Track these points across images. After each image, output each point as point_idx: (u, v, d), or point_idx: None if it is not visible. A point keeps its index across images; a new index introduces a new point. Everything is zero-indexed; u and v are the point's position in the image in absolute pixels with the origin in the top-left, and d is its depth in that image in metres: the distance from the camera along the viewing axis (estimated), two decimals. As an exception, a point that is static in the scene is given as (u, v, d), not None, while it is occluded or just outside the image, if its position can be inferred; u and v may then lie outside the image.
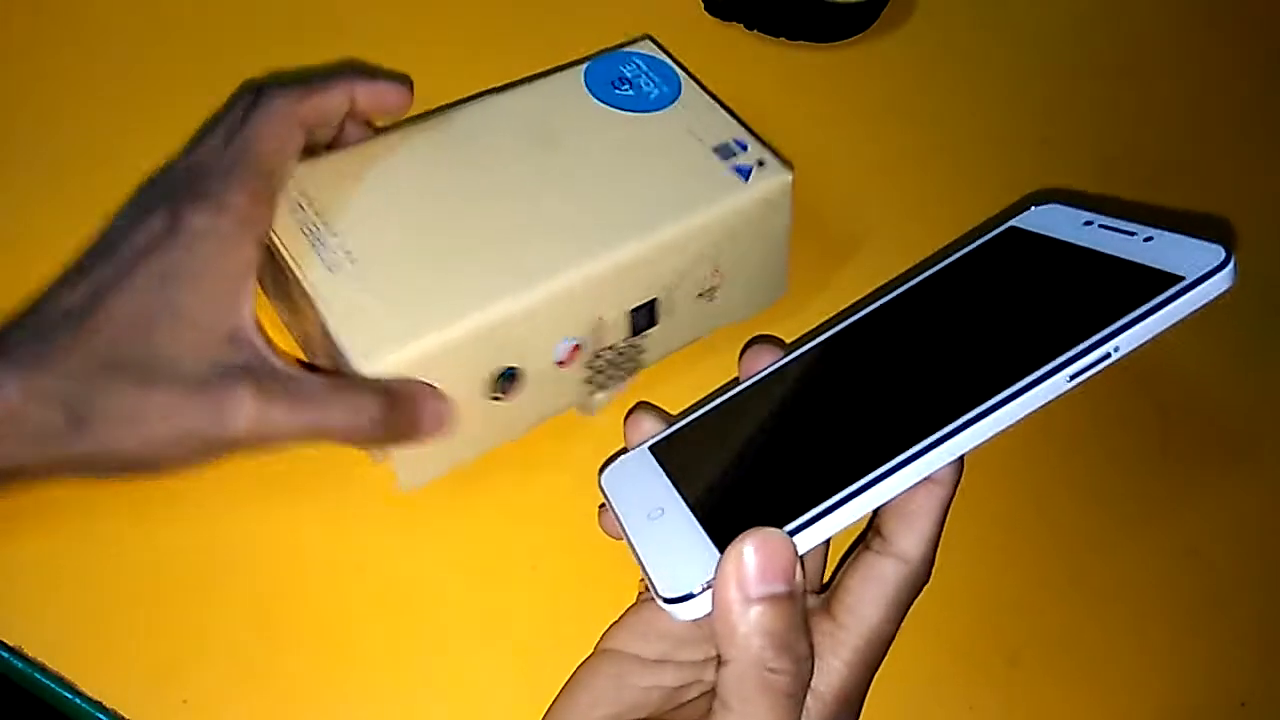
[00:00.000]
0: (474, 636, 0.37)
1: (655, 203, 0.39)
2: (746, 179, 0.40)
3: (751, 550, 0.26)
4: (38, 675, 0.34)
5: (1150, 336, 0.27)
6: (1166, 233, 0.29)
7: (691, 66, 0.54)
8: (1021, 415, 0.27)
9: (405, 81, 0.40)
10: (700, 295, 0.41)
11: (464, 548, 0.38)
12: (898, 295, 0.33)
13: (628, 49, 0.45)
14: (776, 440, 0.31)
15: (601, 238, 0.38)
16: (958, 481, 0.30)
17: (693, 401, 0.34)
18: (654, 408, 0.34)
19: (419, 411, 0.35)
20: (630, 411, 0.34)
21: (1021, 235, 0.33)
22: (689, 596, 0.27)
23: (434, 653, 0.36)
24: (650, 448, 0.32)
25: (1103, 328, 0.26)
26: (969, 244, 0.33)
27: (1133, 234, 0.29)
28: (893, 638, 0.30)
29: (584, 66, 0.44)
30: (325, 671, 0.36)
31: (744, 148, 0.41)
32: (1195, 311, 0.26)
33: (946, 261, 0.33)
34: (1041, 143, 0.55)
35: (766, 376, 0.33)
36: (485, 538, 0.39)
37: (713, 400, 0.33)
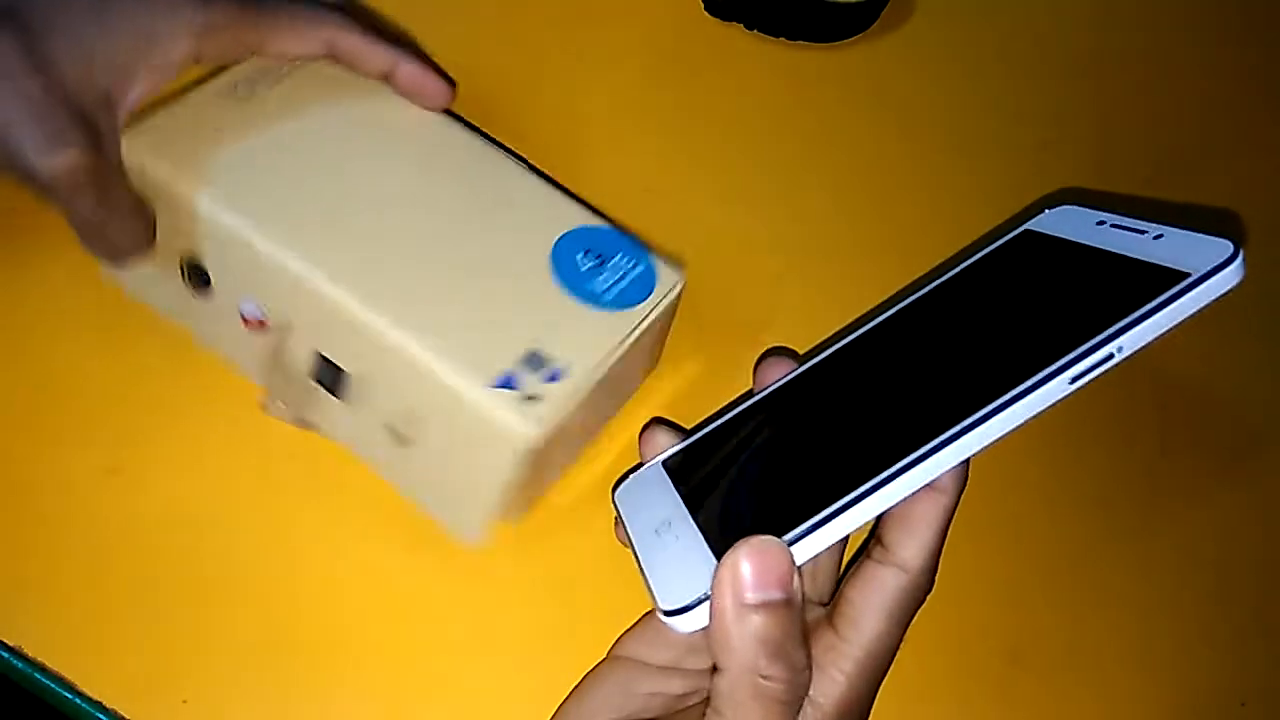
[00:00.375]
0: (476, 639, 0.37)
1: (427, 318, 0.35)
2: (516, 400, 0.34)
3: (747, 558, 0.26)
4: (38, 675, 0.34)
5: (1157, 334, 0.26)
6: (1176, 229, 0.28)
7: (691, 66, 0.54)
8: (1023, 420, 0.26)
9: (450, 84, 0.40)
10: (387, 428, 0.36)
11: (467, 549, 0.38)
12: (909, 303, 0.33)
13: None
14: (780, 451, 0.31)
15: (365, 276, 0.35)
16: (961, 489, 0.29)
17: (708, 415, 0.35)
18: (668, 423, 0.35)
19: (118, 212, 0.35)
20: (645, 427, 0.34)
21: (1035, 238, 0.32)
22: (687, 609, 0.27)
23: (435, 654, 0.36)
24: (663, 462, 0.33)
25: (1105, 329, 0.26)
26: (983, 248, 0.33)
27: (1144, 232, 0.29)
28: (896, 648, 0.29)
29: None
30: (325, 672, 0.36)
31: (557, 377, 0.34)
32: (1204, 307, 0.26)
33: (959, 268, 0.33)
34: (1041, 142, 0.55)
35: (777, 388, 0.33)
36: (490, 538, 0.39)
37: (725, 414, 0.34)
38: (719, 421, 0.34)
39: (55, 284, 0.41)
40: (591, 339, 0.35)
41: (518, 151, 0.41)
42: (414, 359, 0.34)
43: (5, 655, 0.34)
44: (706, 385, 0.43)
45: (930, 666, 0.39)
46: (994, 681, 0.39)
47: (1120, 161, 0.55)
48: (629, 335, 0.36)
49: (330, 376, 0.36)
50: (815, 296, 0.47)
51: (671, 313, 0.39)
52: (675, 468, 0.32)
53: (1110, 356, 0.26)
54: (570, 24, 0.54)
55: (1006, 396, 0.26)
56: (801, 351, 0.45)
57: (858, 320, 0.34)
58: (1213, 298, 0.26)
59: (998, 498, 0.43)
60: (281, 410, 0.39)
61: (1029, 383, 0.26)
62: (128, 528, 0.37)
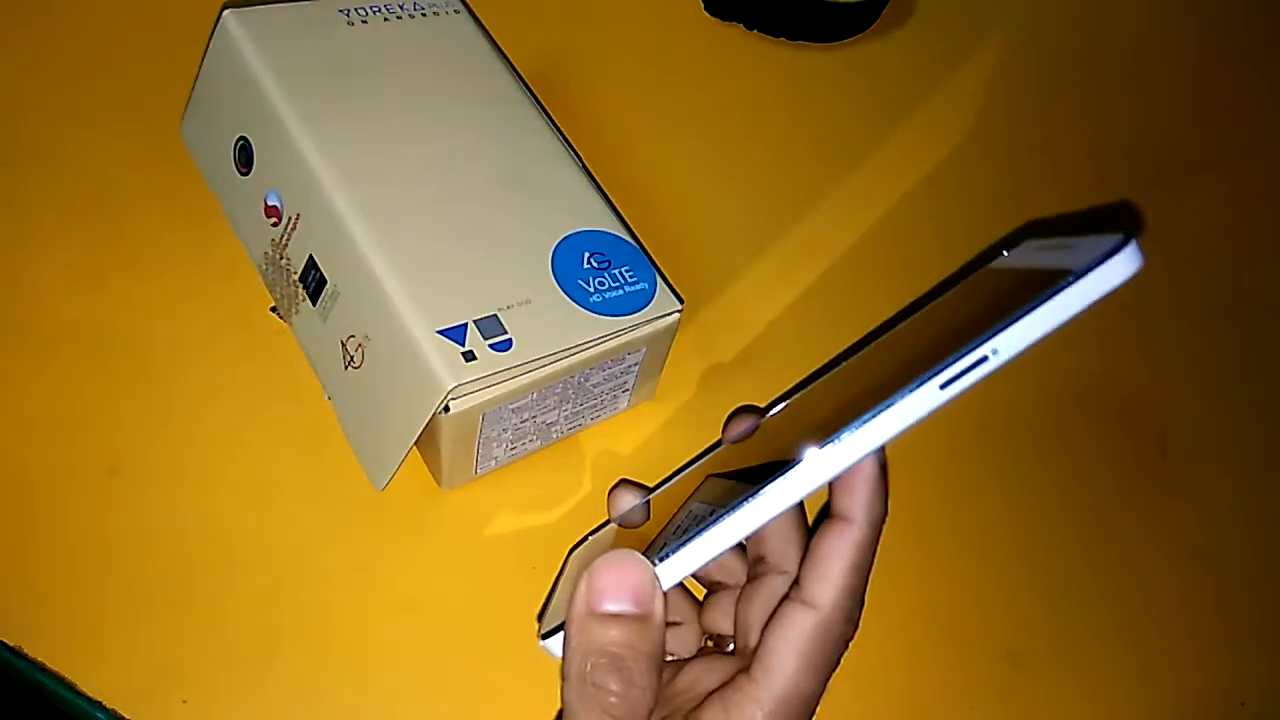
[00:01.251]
0: (473, 637, 0.37)
1: (433, 275, 0.35)
2: (454, 352, 0.34)
3: (603, 567, 0.26)
4: (38, 675, 0.34)
5: (1042, 332, 0.25)
6: (1087, 237, 0.26)
7: (691, 66, 0.55)
8: (892, 431, 0.25)
9: None
10: (342, 345, 0.37)
11: (464, 549, 0.38)
12: (860, 351, 0.32)
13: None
14: (706, 496, 0.30)
15: (374, 201, 0.36)
16: (875, 522, 0.28)
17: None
18: (634, 484, 0.35)
19: None
20: (612, 489, 0.35)
21: (989, 274, 0.32)
22: (556, 630, 0.27)
23: (434, 653, 0.36)
24: (618, 521, 0.34)
25: (979, 334, 0.25)
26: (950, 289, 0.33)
27: (1066, 246, 0.28)
28: (813, 695, 0.27)
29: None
30: (325, 672, 0.36)
31: (504, 349, 0.34)
32: (1096, 301, 0.24)
33: (918, 312, 0.32)
34: (1042, 142, 0.55)
35: (735, 438, 0.33)
36: (485, 539, 0.39)
37: (683, 469, 0.34)
38: (672, 478, 0.34)
39: (55, 284, 0.41)
40: (555, 329, 0.35)
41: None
42: (382, 284, 0.35)
43: (5, 655, 0.34)
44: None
45: (930, 666, 0.39)
46: (994, 682, 0.39)
47: (1120, 162, 0.55)
48: (597, 341, 0.36)
49: (314, 281, 0.38)
50: (816, 297, 0.47)
51: (666, 342, 0.39)
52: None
53: (984, 359, 0.25)
54: (570, 24, 0.54)
55: (869, 413, 0.25)
56: (799, 351, 0.45)
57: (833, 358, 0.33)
58: (1103, 290, 0.24)
59: (997, 499, 0.43)
60: (281, 312, 0.41)
61: (895, 395, 0.25)
62: (128, 528, 0.37)
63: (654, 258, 0.39)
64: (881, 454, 0.28)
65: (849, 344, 0.45)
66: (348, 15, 0.41)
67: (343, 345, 0.37)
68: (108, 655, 0.35)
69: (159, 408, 0.39)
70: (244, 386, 0.40)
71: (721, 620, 0.32)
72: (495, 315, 0.35)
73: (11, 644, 0.34)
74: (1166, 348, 0.48)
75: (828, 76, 0.55)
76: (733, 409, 0.43)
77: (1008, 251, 0.30)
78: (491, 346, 0.34)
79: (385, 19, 0.42)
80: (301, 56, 0.39)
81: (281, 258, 0.39)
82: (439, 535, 0.39)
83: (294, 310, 0.39)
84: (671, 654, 0.33)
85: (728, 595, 0.33)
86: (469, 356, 0.34)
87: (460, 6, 0.44)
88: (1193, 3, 0.65)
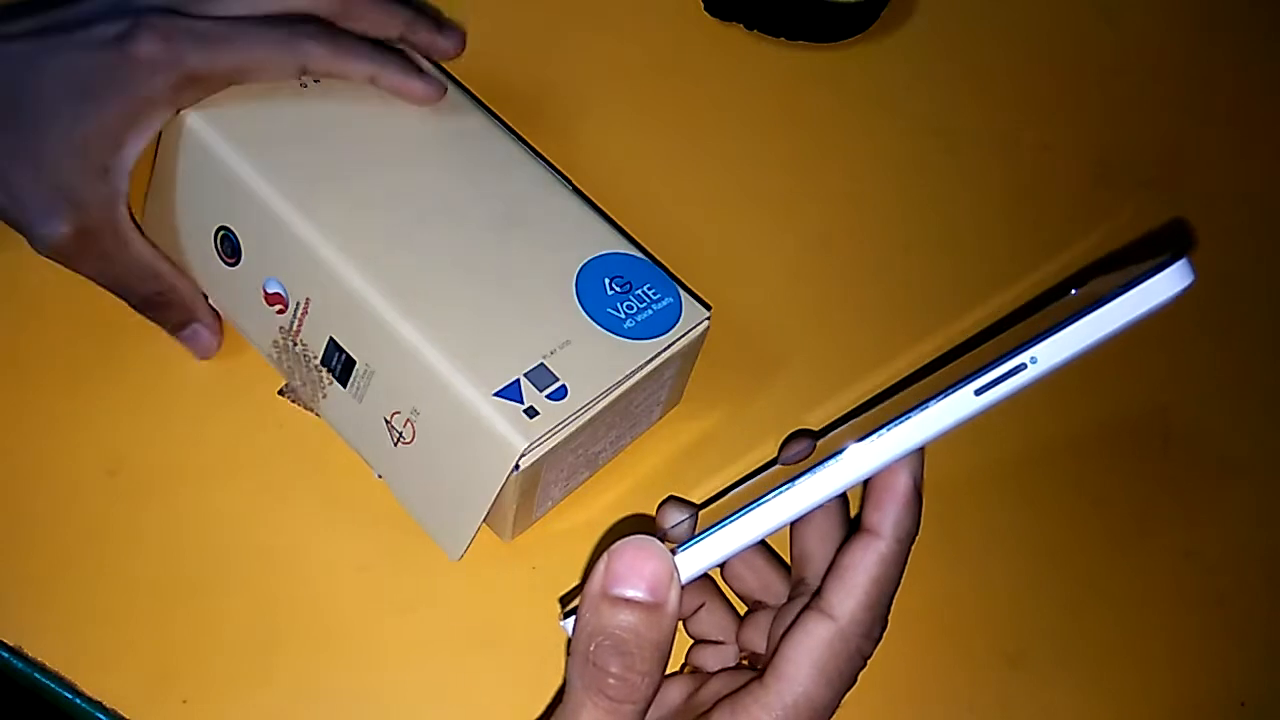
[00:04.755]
0: (474, 637, 0.37)
1: (458, 324, 0.35)
2: (515, 411, 0.33)
3: (621, 550, 0.26)
4: (38, 675, 0.34)
5: (1082, 344, 0.24)
6: (1147, 262, 0.26)
7: (691, 66, 0.54)
8: (924, 435, 0.25)
9: (439, 84, 0.41)
10: (386, 423, 0.36)
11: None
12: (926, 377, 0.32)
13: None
14: (741, 501, 0.30)
15: (389, 271, 0.35)
16: (905, 538, 0.28)
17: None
18: (682, 500, 0.35)
19: (189, 324, 0.40)
20: (660, 505, 0.34)
21: (1055, 308, 0.31)
22: (574, 612, 0.27)
23: (434, 653, 0.36)
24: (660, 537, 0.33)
25: (1021, 345, 0.25)
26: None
27: (1125, 271, 0.27)
28: (827, 707, 0.27)
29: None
30: (325, 671, 0.36)
31: (561, 396, 0.34)
32: (1142, 315, 0.24)
33: (982, 345, 0.32)
34: (1042, 142, 0.55)
35: (790, 459, 0.33)
36: (485, 539, 0.39)
37: (733, 487, 0.33)
38: (722, 495, 0.33)
39: (54, 284, 0.41)
40: (603, 364, 0.35)
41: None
42: (422, 356, 0.34)
43: (5, 655, 0.34)
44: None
45: (930, 666, 0.39)
46: (994, 682, 0.39)
47: (1120, 162, 0.55)
48: (642, 366, 0.36)
49: (339, 363, 0.36)
50: (816, 296, 0.47)
51: (695, 350, 0.39)
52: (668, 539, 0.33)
53: (1022, 367, 0.25)
54: (570, 24, 0.54)
55: (901, 416, 0.25)
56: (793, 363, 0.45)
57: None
58: (1149, 304, 0.24)
59: (998, 499, 0.43)
60: (295, 395, 0.39)
61: (929, 399, 0.25)
62: (128, 528, 0.37)
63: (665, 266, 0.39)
64: (918, 473, 0.28)
65: (849, 344, 0.46)
66: (301, 78, 0.39)
67: (387, 423, 0.36)
68: (108, 655, 0.35)
69: (159, 408, 0.39)
70: (244, 386, 0.40)
71: (757, 638, 0.32)
72: (542, 364, 0.34)
73: (11, 644, 0.34)
74: (1166, 347, 0.48)
75: (828, 76, 0.55)
76: (735, 410, 0.43)
77: (1076, 290, 0.30)
78: (548, 396, 0.34)
79: (336, 79, 0.39)
80: (265, 134, 0.37)
81: (295, 344, 0.38)
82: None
83: (320, 395, 0.38)
84: (702, 667, 0.33)
85: (766, 614, 0.32)
86: (531, 413, 0.33)
87: (400, 47, 0.42)
88: (1193, 3, 0.64)
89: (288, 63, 0.38)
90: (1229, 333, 0.50)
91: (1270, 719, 0.40)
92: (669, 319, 0.37)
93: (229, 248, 0.37)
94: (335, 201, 0.36)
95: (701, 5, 0.56)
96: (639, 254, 0.39)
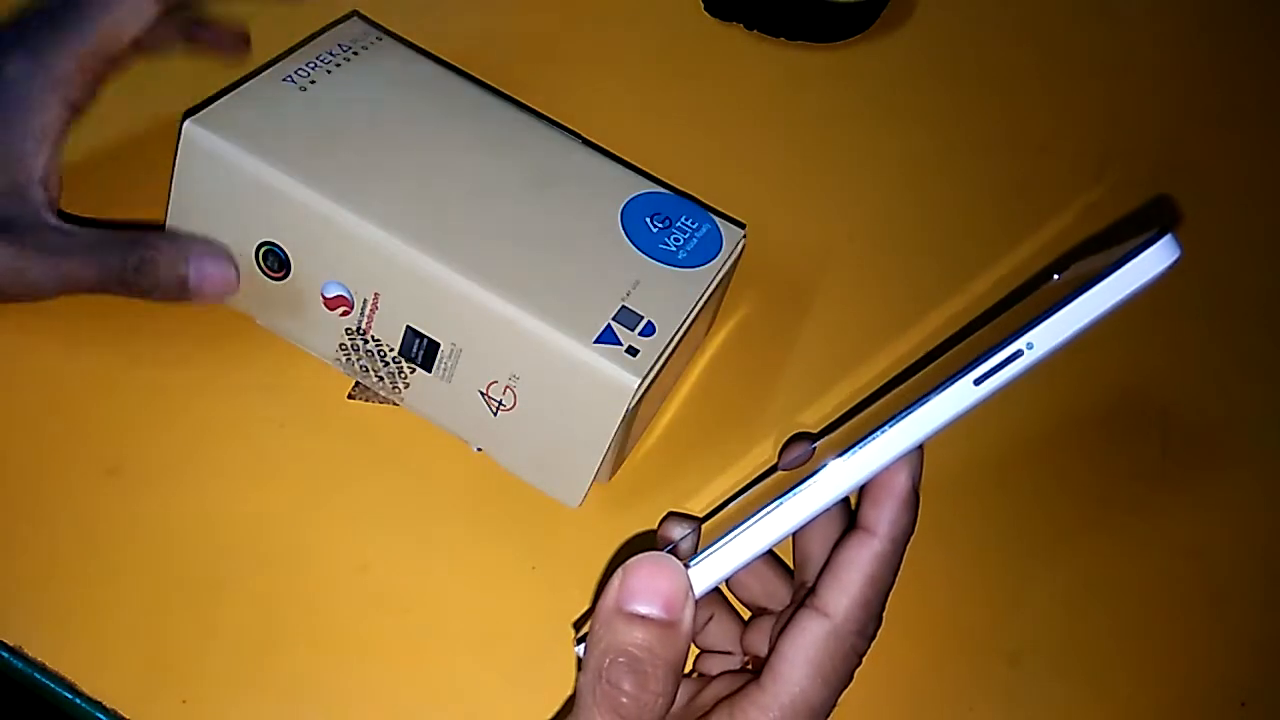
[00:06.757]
0: (474, 637, 0.37)
1: (531, 285, 0.36)
2: (619, 353, 0.35)
3: (636, 567, 0.26)
4: (38, 675, 0.34)
5: (1077, 326, 0.24)
6: (1130, 241, 0.26)
7: (691, 66, 0.55)
8: (926, 430, 0.25)
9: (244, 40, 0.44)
10: (483, 396, 0.37)
11: (464, 548, 0.38)
12: (916, 374, 0.32)
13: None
14: (744, 510, 0.30)
15: (455, 248, 0.36)
16: (900, 536, 0.28)
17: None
18: (683, 515, 0.36)
19: (187, 269, 0.36)
20: (662, 520, 0.35)
21: (1039, 295, 0.31)
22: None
23: (434, 653, 0.36)
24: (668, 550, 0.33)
25: (1015, 331, 0.25)
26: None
27: (1109, 251, 0.27)
28: (824, 706, 0.27)
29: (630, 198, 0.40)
30: (325, 671, 0.36)
31: (650, 332, 0.36)
32: (1133, 293, 0.24)
33: (970, 337, 0.32)
34: (1042, 142, 0.55)
35: (789, 464, 0.33)
36: (486, 538, 0.39)
37: (736, 496, 0.33)
38: (723, 507, 0.33)
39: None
40: (675, 295, 0.37)
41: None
42: (515, 323, 0.35)
43: (5, 655, 0.34)
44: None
45: (930, 666, 0.39)
46: (994, 682, 0.39)
47: (1120, 162, 0.55)
48: (707, 289, 0.38)
49: (421, 349, 0.37)
50: (815, 297, 0.47)
51: (733, 270, 0.41)
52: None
53: (1019, 354, 0.24)
54: (570, 24, 0.54)
55: (902, 411, 0.25)
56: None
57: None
58: (1139, 281, 0.24)
59: (998, 498, 0.43)
60: (369, 392, 0.40)
61: (928, 393, 0.25)
62: (128, 528, 0.37)
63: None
64: (917, 472, 0.28)
65: (848, 342, 0.46)
66: (294, 81, 0.39)
67: (483, 395, 0.37)
68: (107, 655, 0.35)
69: (159, 408, 0.39)
70: (245, 385, 0.40)
71: (761, 643, 0.32)
72: (625, 306, 0.36)
73: (11, 644, 0.34)
74: (1166, 347, 0.48)
75: (828, 76, 0.55)
76: (735, 411, 0.43)
77: (1058, 275, 0.29)
78: (640, 334, 0.36)
79: (328, 71, 0.40)
80: (287, 140, 0.37)
81: (367, 341, 0.38)
82: (439, 535, 0.39)
83: (401, 386, 0.39)
84: (705, 672, 0.33)
85: (770, 620, 0.32)
86: (631, 351, 0.35)
87: (381, 34, 0.42)
88: (1193, 3, 0.65)
89: (134, 25, 0.38)
90: (1229, 332, 0.50)
91: (1270, 719, 0.40)
92: (714, 243, 0.40)
93: (274, 262, 0.38)
94: (378, 193, 0.37)
95: (701, 5, 0.56)
96: (667, 190, 0.41)
